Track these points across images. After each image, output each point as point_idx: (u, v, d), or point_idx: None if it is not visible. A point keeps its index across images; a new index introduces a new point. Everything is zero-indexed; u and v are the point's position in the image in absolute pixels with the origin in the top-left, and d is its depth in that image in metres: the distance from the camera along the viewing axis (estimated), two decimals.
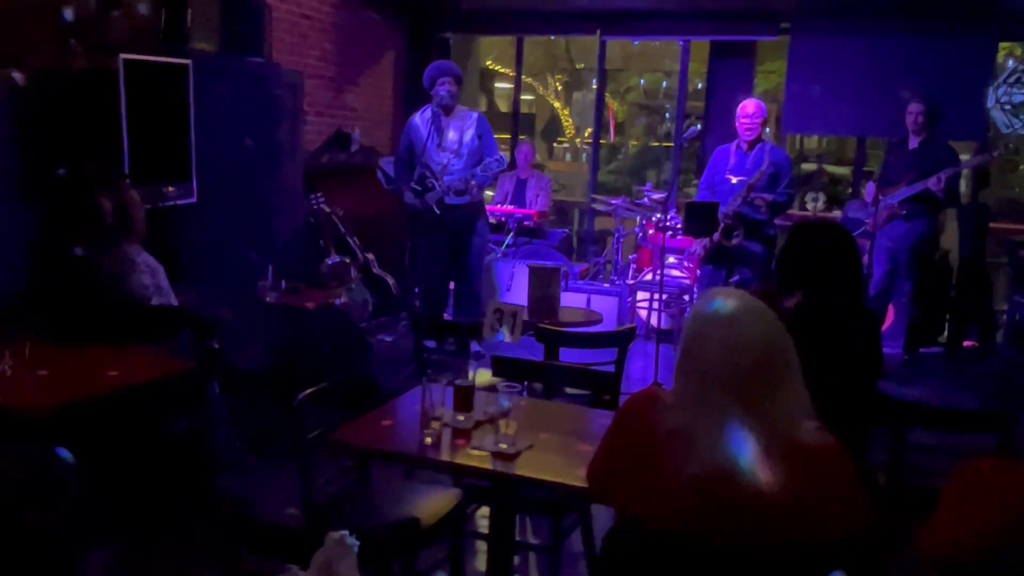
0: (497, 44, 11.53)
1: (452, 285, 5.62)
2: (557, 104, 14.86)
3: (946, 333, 6.19)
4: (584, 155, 14.02)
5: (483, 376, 3.47)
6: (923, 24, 6.43)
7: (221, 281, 4.37)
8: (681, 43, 7.74)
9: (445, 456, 2.39)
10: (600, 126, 8.50)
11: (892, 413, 2.69)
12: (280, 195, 5.11)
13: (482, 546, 3.20)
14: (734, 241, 5.13)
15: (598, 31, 7.56)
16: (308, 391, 2.59)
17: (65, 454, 2.03)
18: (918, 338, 5.81)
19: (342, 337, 4.68)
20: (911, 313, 5.76)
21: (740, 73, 7.18)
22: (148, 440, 3.06)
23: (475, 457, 2.36)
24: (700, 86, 9.01)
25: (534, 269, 4.40)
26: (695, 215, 5.16)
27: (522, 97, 9.13)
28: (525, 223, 7.09)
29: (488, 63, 12.79)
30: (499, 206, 7.30)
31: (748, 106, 5.26)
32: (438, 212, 5.25)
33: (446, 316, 5.63)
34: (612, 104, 13.75)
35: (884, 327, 5.83)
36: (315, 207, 5.50)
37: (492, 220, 6.79)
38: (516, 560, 2.95)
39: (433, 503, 2.63)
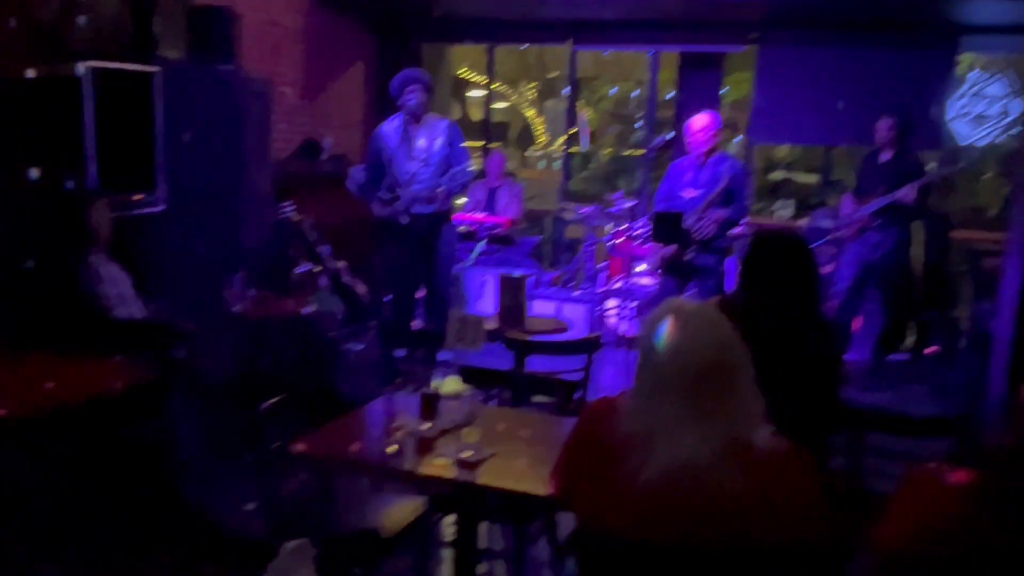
0: (470, 52, 11.52)
1: (422, 293, 5.62)
2: (530, 112, 14.89)
3: (910, 340, 6.33)
4: (557, 163, 14.05)
5: (452, 384, 3.48)
6: (886, 37, 6.55)
7: (189, 290, 4.35)
8: (651, 53, 7.82)
9: (408, 465, 2.39)
10: (572, 135, 8.54)
11: (850, 419, 2.75)
12: (249, 203, 5.08)
13: (448, 554, 3.20)
14: (686, 257, 5.18)
15: (570, 40, 7.61)
16: (270, 401, 2.59)
17: None
18: (887, 345, 5.92)
19: (310, 346, 4.67)
20: (881, 320, 5.86)
21: (709, 83, 7.25)
22: (108, 451, 3.03)
23: (437, 466, 2.37)
24: (670, 96, 9.08)
25: (504, 278, 4.42)
26: (662, 224, 5.21)
27: (495, 105, 9.14)
28: (495, 231, 7.10)
29: (461, 71, 12.79)
30: (470, 214, 7.31)
31: (695, 123, 5.22)
32: (405, 221, 5.25)
33: (415, 324, 5.63)
34: (588, 112, 13.81)
35: (853, 332, 5.92)
36: (284, 215, 5.47)
37: (463, 228, 6.80)
38: (483, 568, 2.96)
39: (398, 511, 2.63)
